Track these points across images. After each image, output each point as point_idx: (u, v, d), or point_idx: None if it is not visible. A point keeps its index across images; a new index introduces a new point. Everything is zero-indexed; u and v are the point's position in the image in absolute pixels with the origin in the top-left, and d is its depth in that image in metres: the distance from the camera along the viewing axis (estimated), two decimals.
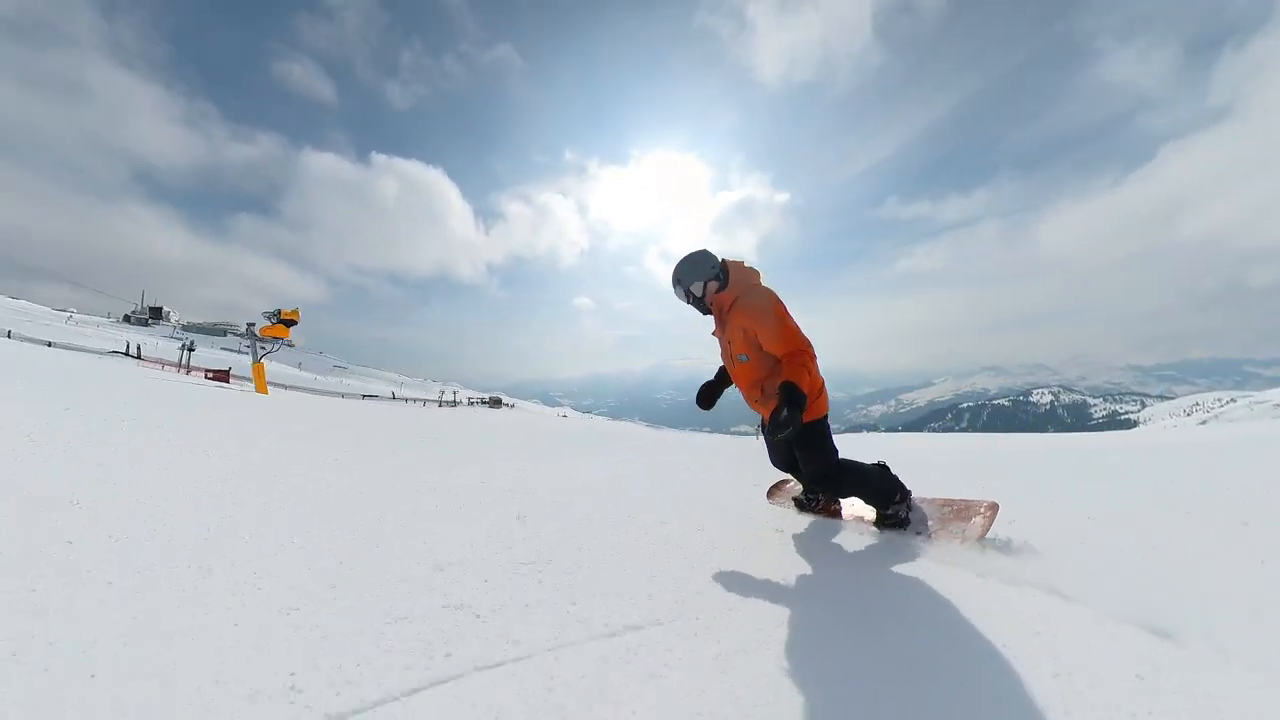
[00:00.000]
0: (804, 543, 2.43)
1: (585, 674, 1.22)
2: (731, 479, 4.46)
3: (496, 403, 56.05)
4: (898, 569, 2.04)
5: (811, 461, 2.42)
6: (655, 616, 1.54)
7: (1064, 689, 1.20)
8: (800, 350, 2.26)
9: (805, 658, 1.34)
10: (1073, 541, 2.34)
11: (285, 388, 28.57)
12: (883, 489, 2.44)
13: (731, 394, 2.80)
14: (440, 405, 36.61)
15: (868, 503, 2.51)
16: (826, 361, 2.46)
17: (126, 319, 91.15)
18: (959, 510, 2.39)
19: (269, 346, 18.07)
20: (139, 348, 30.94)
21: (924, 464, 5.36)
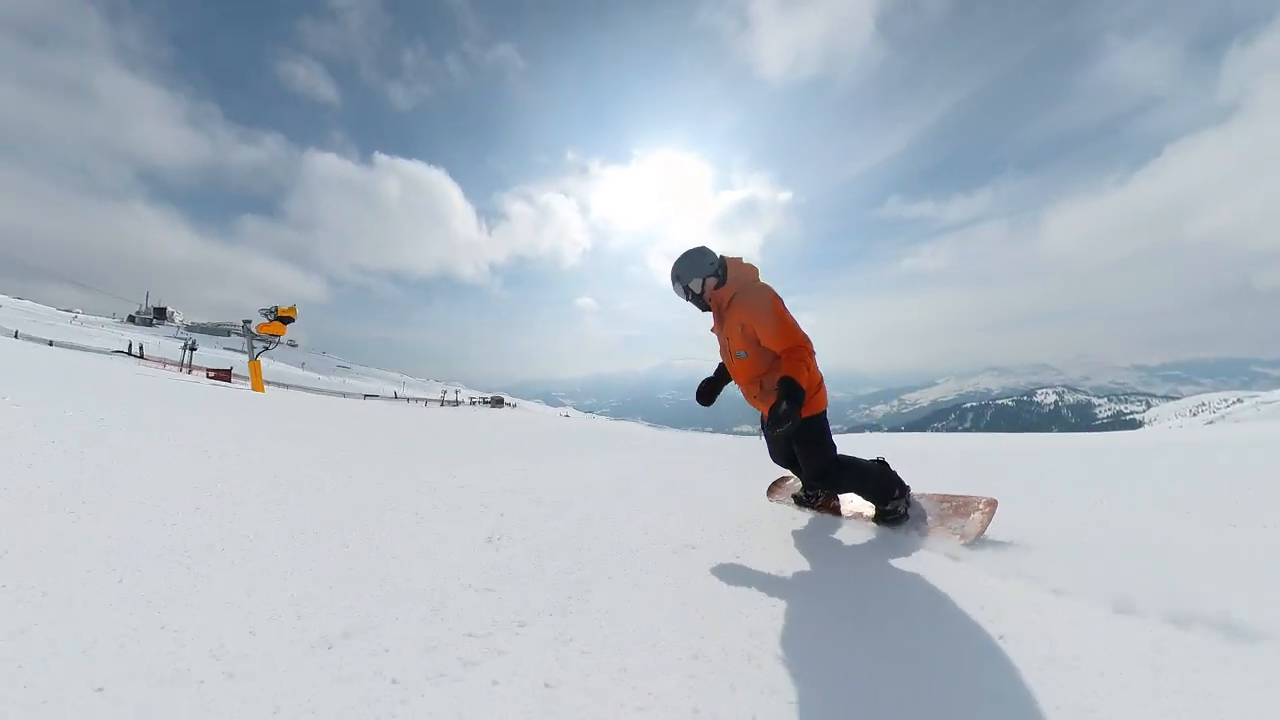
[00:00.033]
0: (803, 539, 2.43)
1: (585, 673, 1.22)
2: (733, 478, 4.46)
3: (498, 402, 56.10)
4: (896, 564, 2.04)
5: (810, 457, 2.42)
6: (655, 615, 1.54)
7: (1062, 685, 1.19)
8: (798, 346, 2.27)
9: (804, 653, 1.35)
10: (1072, 539, 2.34)
11: (288, 387, 28.64)
12: (881, 485, 2.44)
13: (732, 392, 2.80)
14: (442, 405, 36.68)
15: (867, 499, 2.51)
16: (829, 361, 2.46)
17: (131, 319, 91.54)
18: (958, 506, 2.39)
19: (266, 344, 18.08)
20: (141, 347, 31.06)
21: (925, 463, 5.35)
